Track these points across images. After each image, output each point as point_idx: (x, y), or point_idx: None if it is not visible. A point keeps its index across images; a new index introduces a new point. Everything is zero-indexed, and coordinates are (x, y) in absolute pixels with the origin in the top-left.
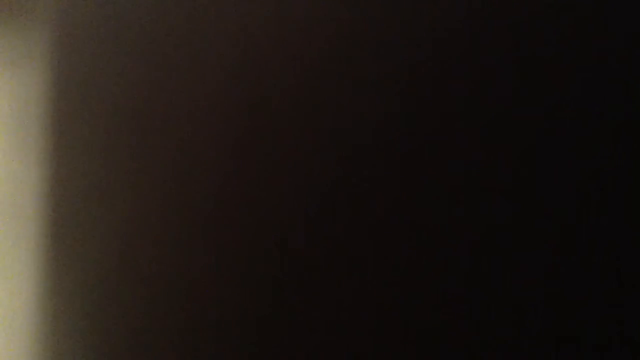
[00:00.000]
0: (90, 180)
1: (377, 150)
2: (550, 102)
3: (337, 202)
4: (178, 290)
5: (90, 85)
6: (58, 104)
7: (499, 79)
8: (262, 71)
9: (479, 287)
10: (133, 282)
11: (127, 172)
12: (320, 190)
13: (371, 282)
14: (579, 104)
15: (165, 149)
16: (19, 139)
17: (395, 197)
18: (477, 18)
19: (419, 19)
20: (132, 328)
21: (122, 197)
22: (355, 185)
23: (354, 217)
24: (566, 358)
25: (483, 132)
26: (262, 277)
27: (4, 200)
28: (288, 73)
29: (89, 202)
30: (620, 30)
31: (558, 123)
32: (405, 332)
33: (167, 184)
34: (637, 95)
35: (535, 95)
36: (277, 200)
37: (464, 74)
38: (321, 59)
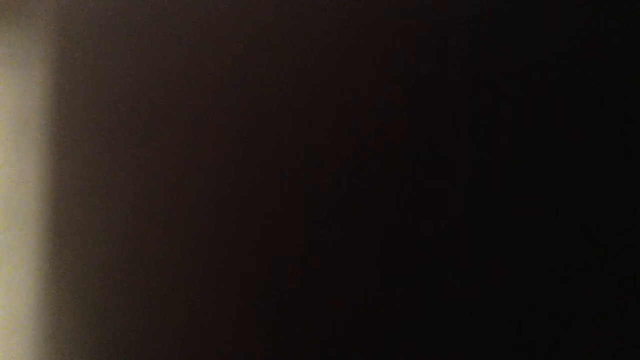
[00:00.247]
0: (90, 180)
1: (377, 150)
2: (550, 102)
3: (337, 202)
4: (178, 290)
5: (90, 85)
6: (58, 104)
7: (499, 78)
8: (262, 71)
9: (479, 287)
10: (133, 282)
11: (127, 172)
12: (321, 190)
13: (371, 281)
14: (579, 104)
15: (165, 149)
16: (19, 138)
17: (395, 197)
18: (477, 18)
19: (419, 19)
20: (132, 328)
21: (122, 197)
22: (355, 185)
23: (354, 217)
24: (566, 358)
25: (483, 132)
26: (262, 277)
27: (4, 200)
28: (288, 73)
29: (89, 202)
30: (620, 30)
31: (558, 123)
32: (406, 332)
33: (167, 183)
34: (637, 95)
35: (535, 95)
36: (277, 199)
37: (464, 74)
38: (321, 58)
